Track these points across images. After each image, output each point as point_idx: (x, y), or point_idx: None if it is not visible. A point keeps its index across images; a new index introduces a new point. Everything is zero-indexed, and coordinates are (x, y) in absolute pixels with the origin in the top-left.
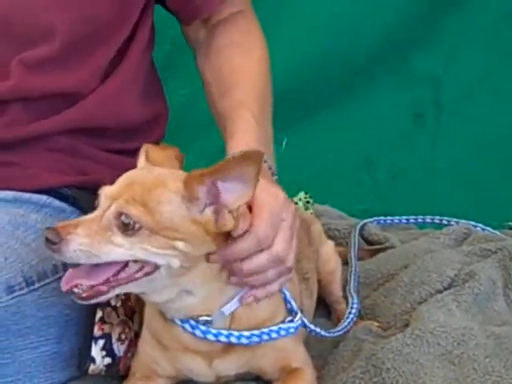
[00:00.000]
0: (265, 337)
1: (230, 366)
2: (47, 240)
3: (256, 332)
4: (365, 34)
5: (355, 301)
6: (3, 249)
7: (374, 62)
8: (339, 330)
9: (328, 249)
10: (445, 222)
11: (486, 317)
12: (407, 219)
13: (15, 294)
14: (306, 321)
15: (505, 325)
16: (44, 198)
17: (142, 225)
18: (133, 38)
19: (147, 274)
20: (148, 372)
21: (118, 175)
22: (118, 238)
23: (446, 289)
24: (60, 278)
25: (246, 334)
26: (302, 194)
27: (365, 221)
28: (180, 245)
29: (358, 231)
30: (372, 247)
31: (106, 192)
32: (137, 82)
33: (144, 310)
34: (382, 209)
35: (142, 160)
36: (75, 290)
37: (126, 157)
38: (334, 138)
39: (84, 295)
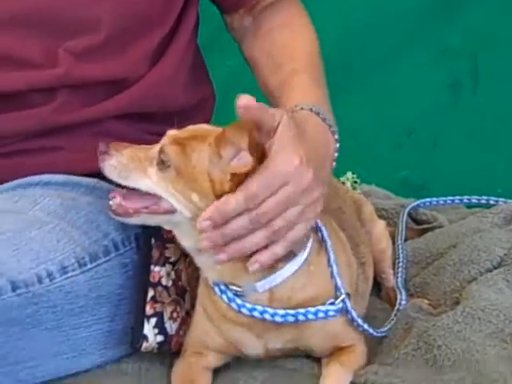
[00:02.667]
0: (300, 317)
1: (277, 339)
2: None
3: (291, 312)
4: (403, 8)
5: (403, 297)
6: (56, 231)
7: (412, 36)
8: (387, 329)
9: (379, 228)
10: (492, 201)
11: None
12: (452, 200)
13: (68, 274)
14: (348, 306)
15: None
16: (94, 181)
17: (172, 164)
18: (180, 23)
19: (165, 213)
20: (199, 348)
21: None
22: (152, 171)
23: (495, 268)
24: (111, 259)
25: (281, 312)
26: (349, 174)
27: (412, 204)
28: (194, 196)
29: (405, 215)
30: (420, 227)
31: (170, 132)
32: (184, 67)
33: (196, 289)
34: (423, 177)
35: None
36: (110, 202)
37: None
38: (375, 109)
39: (114, 208)
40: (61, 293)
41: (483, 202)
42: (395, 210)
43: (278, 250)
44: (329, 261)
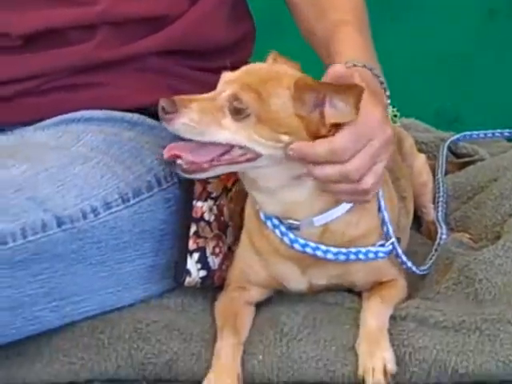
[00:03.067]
0: (352, 256)
1: (322, 275)
2: (162, 109)
3: (343, 250)
4: None
5: (444, 231)
6: (99, 166)
7: None
8: (429, 267)
9: (420, 162)
10: None
11: None
12: (493, 133)
13: (112, 210)
14: (397, 247)
15: None
16: (136, 116)
17: (252, 111)
18: None
19: (249, 160)
20: (242, 282)
21: (206, 92)
22: (227, 121)
23: None
24: (154, 195)
25: (334, 250)
26: (389, 108)
27: (452, 138)
28: (284, 138)
29: (445, 148)
30: (460, 160)
31: (225, 76)
32: (225, 3)
33: (237, 224)
34: (456, 109)
35: (269, 63)
36: (178, 161)
37: (213, 74)
38: (411, 39)
39: (185, 167)
40: (105, 228)
41: None
42: (435, 143)
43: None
44: (379, 206)
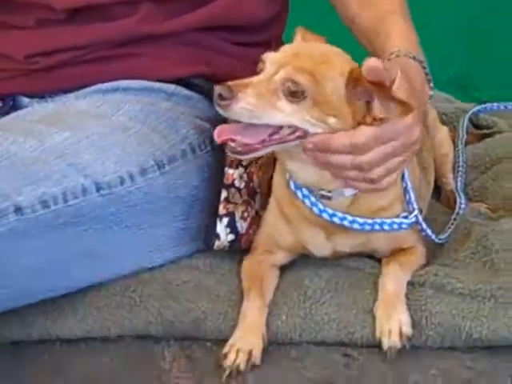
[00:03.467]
0: (376, 227)
1: (346, 242)
2: (220, 96)
3: (369, 221)
4: None
5: (462, 201)
6: (137, 135)
7: None
8: (447, 236)
9: (442, 134)
10: None
11: None
12: None
13: (148, 176)
14: (420, 219)
15: None
16: (172, 87)
17: (308, 94)
18: None
19: (298, 138)
20: (269, 245)
21: (244, 66)
22: (283, 104)
23: None
24: (188, 162)
25: (360, 220)
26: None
27: (472, 109)
28: (332, 120)
29: (466, 120)
30: (480, 131)
31: (272, 58)
32: None
33: (266, 191)
34: (472, 69)
35: (298, 39)
36: (231, 144)
37: (251, 48)
38: (424, 5)
39: (239, 149)
40: (140, 193)
41: None
42: (455, 114)
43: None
44: (403, 176)
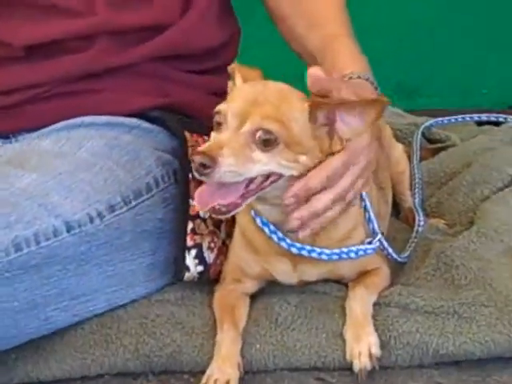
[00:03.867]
0: (344, 255)
1: (312, 271)
2: (201, 165)
3: (336, 251)
4: None
5: (421, 218)
6: (102, 171)
7: None
8: (408, 256)
9: (397, 152)
10: (501, 119)
11: None
12: (463, 117)
13: (116, 212)
14: (385, 244)
15: None
16: (134, 120)
17: (280, 140)
18: None
19: (272, 182)
20: (237, 274)
21: (199, 94)
22: (257, 154)
23: (506, 186)
24: (153, 195)
25: (327, 251)
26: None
27: (425, 124)
28: (303, 158)
29: (419, 135)
30: (434, 146)
31: (232, 110)
32: (212, 9)
33: (230, 220)
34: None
35: (239, 79)
36: (217, 206)
37: (205, 75)
38: (376, 11)
39: (224, 210)
40: (110, 230)
41: (493, 119)
42: (409, 129)
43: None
44: (365, 206)
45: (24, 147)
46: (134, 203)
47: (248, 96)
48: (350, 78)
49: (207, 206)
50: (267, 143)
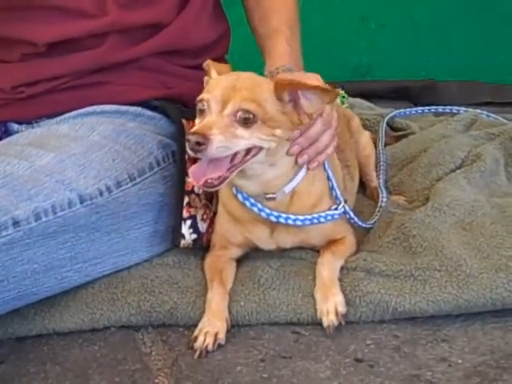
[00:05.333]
0: (315, 221)
1: (287, 239)
2: (196, 143)
3: (308, 217)
4: None
5: (384, 195)
6: (111, 152)
7: None
8: (373, 222)
9: (365, 138)
10: (455, 110)
11: (490, 190)
12: (422, 109)
13: (122, 187)
14: (347, 209)
15: (506, 196)
16: (138, 109)
17: (258, 117)
18: None
19: (254, 156)
20: (224, 242)
21: (194, 86)
22: (241, 131)
23: (457, 168)
24: (154, 173)
25: (301, 217)
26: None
27: (389, 115)
28: (278, 131)
29: (384, 124)
30: (397, 133)
31: (214, 96)
32: (206, 8)
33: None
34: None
35: (214, 73)
36: (209, 180)
37: (199, 70)
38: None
39: (216, 183)
40: (117, 202)
41: (447, 111)
42: (376, 119)
43: (329, 151)
44: (328, 176)
45: (44, 131)
46: (138, 180)
47: (226, 84)
48: (277, 73)
49: (200, 181)
50: (247, 121)
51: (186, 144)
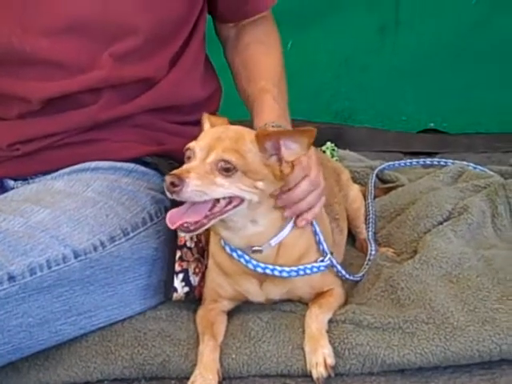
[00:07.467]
0: (301, 272)
1: (275, 291)
2: (171, 184)
3: (294, 268)
4: None
5: (373, 248)
6: (105, 208)
7: None
8: (361, 275)
9: (354, 191)
10: (442, 162)
11: (477, 242)
12: (411, 162)
13: (116, 242)
14: (334, 262)
15: (492, 248)
16: (132, 165)
17: (238, 168)
18: (193, 32)
19: (235, 207)
20: (214, 296)
21: (186, 142)
22: (220, 180)
23: (445, 220)
24: (147, 228)
25: (287, 269)
26: (328, 144)
27: (379, 167)
28: (260, 184)
29: (374, 177)
30: (386, 186)
31: (200, 145)
32: (197, 67)
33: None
34: (356, 97)
35: (207, 125)
36: (185, 224)
37: (191, 126)
38: (322, 44)
39: (192, 228)
40: (111, 257)
41: (435, 163)
42: (365, 171)
43: (316, 210)
44: (315, 231)
45: (40, 187)
46: (131, 234)
47: (213, 135)
48: (265, 125)
49: (176, 224)
50: (227, 170)
51: (163, 184)
